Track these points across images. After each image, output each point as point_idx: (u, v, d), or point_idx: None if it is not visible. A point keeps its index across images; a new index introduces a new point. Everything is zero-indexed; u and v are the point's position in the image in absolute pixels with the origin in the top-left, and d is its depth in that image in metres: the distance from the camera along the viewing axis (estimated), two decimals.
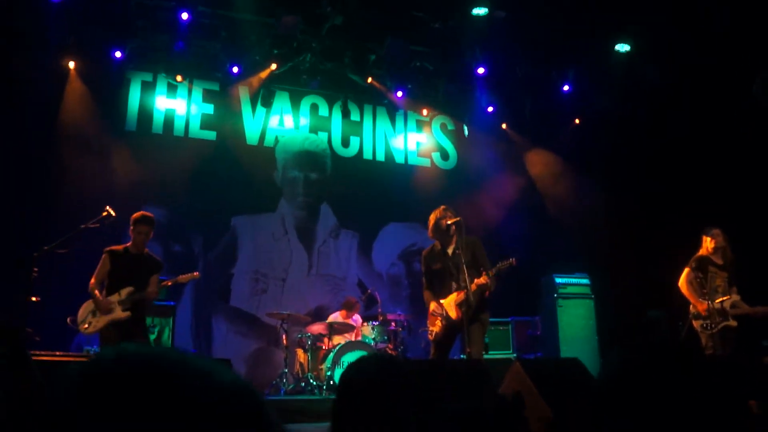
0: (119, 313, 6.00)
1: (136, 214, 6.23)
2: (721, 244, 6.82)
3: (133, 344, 0.62)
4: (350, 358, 7.45)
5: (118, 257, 6.15)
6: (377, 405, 1.92)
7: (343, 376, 2.15)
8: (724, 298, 6.64)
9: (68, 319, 7.06)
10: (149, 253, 6.34)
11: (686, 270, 6.85)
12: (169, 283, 6.80)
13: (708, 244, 6.84)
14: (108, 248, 6.23)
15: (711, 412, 0.95)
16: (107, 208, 6.53)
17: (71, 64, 9.12)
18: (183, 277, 6.60)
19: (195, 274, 6.66)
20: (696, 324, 6.69)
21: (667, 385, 0.97)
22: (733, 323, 6.54)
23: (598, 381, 1.07)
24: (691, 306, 6.79)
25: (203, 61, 9.63)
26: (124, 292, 6.04)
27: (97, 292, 6.03)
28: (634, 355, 1.06)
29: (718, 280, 6.74)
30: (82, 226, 6.46)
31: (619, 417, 0.99)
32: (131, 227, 6.17)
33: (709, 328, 6.55)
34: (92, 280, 6.07)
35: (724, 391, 0.97)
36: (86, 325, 6.03)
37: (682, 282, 6.84)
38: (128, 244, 6.23)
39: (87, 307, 6.11)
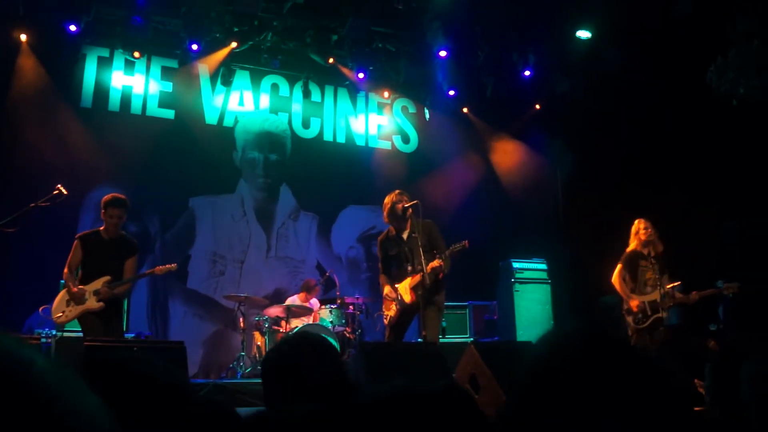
0: (93, 304, 5.83)
1: (106, 197, 6.01)
2: (651, 236, 6.76)
3: None
4: None
5: (89, 243, 5.96)
6: (300, 380, 1.91)
7: (265, 358, 2.18)
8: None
9: (40, 309, 6.89)
10: (124, 236, 6.14)
11: (618, 266, 6.85)
12: (146, 274, 6.68)
13: (640, 235, 6.78)
14: (79, 234, 6.07)
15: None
16: (58, 186, 6.33)
17: (23, 37, 8.81)
18: (160, 269, 6.36)
19: (173, 265, 6.45)
20: (629, 319, 6.74)
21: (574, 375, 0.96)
22: (663, 314, 6.61)
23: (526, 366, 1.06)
24: (623, 302, 6.83)
25: (162, 38, 9.41)
26: (100, 281, 5.86)
27: (71, 284, 5.84)
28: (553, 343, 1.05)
29: (649, 273, 6.74)
30: (32, 205, 6.25)
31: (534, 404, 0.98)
32: (102, 211, 5.96)
33: (640, 322, 6.65)
34: (65, 269, 5.91)
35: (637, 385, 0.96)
36: (60, 314, 5.86)
37: (615, 279, 6.83)
38: (101, 229, 6.04)
39: (62, 297, 5.92)
